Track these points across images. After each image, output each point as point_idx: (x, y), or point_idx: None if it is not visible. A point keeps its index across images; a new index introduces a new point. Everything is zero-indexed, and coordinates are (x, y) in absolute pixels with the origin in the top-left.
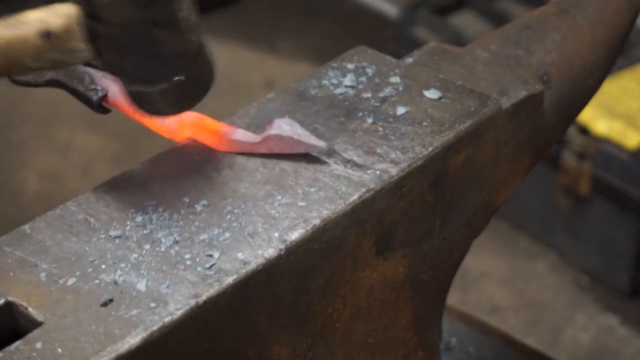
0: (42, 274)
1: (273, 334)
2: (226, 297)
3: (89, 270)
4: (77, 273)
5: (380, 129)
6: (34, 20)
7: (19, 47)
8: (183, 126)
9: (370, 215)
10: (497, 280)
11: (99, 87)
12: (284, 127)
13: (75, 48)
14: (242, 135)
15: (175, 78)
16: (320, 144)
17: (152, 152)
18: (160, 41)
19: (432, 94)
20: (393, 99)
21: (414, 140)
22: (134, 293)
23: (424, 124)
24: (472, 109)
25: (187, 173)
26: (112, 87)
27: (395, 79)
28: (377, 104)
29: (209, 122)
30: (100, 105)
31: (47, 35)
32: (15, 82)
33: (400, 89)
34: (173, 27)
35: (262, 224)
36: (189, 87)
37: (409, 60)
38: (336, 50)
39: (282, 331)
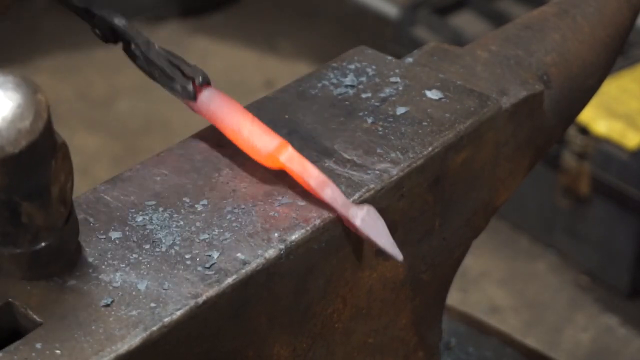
0: None
1: (273, 334)
2: (226, 297)
3: (89, 270)
4: (77, 273)
5: (380, 128)
6: None
7: None
8: (276, 160)
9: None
10: (497, 280)
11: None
12: (372, 224)
13: None
14: (332, 194)
15: (34, 247)
16: (399, 256)
17: (152, 152)
18: (24, 213)
19: (432, 94)
20: (393, 98)
21: (413, 140)
22: (134, 293)
23: (424, 123)
24: (472, 108)
25: (187, 173)
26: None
27: (395, 79)
28: (377, 104)
29: (307, 165)
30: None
31: None
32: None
33: (400, 88)
34: (43, 200)
35: (261, 224)
36: (47, 256)
37: (409, 60)
38: (336, 50)
39: (282, 331)
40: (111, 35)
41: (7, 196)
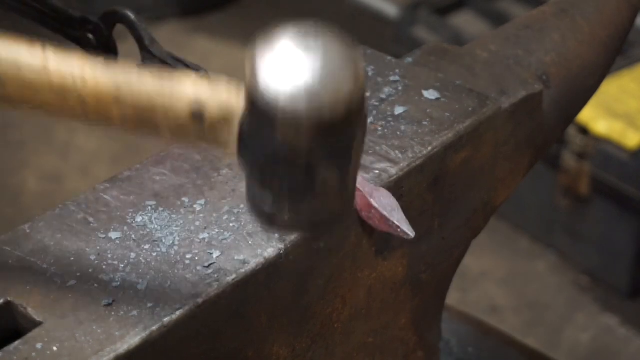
0: (42, 274)
1: (272, 334)
2: (225, 297)
3: (89, 270)
4: (77, 273)
5: (380, 128)
6: (190, 93)
7: (160, 116)
8: None
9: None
10: (497, 280)
11: None
12: (386, 204)
13: (221, 141)
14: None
15: (314, 215)
16: (411, 232)
17: (152, 152)
18: (320, 178)
19: (431, 93)
20: (392, 98)
21: (413, 139)
22: (134, 293)
23: (424, 123)
24: (472, 108)
25: (186, 173)
26: None
27: (394, 79)
28: (377, 104)
29: None
30: None
31: (199, 118)
32: None
33: (400, 88)
34: (342, 168)
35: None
36: (322, 225)
37: (409, 60)
38: None
39: (281, 331)
40: (106, 43)
41: (309, 160)
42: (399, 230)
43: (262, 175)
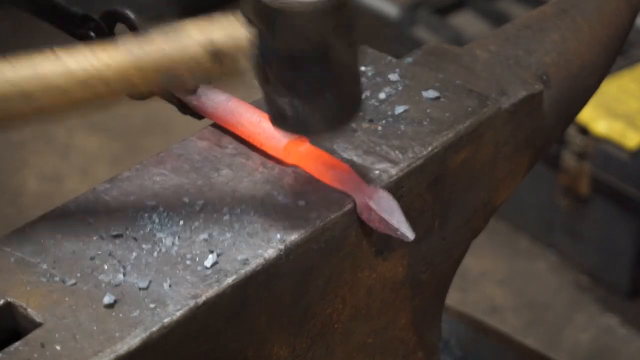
0: (42, 275)
1: (272, 334)
2: (226, 298)
3: (89, 270)
4: (77, 273)
5: (380, 128)
6: (201, 38)
7: (181, 68)
8: (294, 153)
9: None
10: (497, 280)
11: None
12: (385, 206)
13: (239, 69)
14: (349, 177)
15: (334, 93)
16: (410, 234)
17: (152, 152)
18: (334, 52)
19: (431, 93)
20: (392, 98)
21: (413, 140)
22: (134, 293)
23: (424, 123)
24: (472, 108)
25: (186, 173)
26: (216, 97)
27: (394, 79)
28: (377, 104)
29: (325, 156)
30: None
31: (218, 58)
32: (184, 112)
33: (400, 88)
34: (348, 38)
35: (261, 224)
36: (343, 107)
37: (409, 60)
38: None
39: (281, 331)
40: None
41: (324, 46)
42: (398, 232)
43: (282, 77)
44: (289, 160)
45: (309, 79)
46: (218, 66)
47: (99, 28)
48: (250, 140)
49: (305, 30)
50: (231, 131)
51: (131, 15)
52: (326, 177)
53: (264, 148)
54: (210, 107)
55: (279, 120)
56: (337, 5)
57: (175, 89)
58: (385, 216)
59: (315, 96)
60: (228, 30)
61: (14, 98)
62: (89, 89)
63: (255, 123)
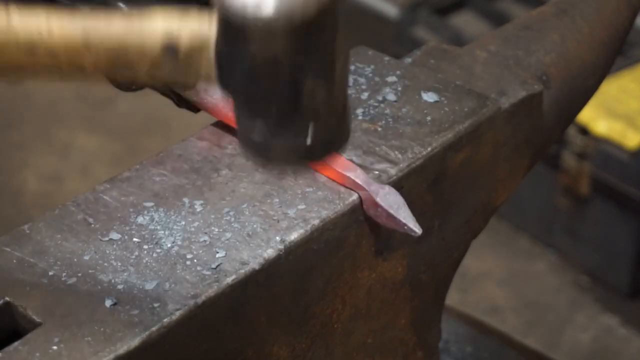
0: (42, 275)
1: (272, 334)
2: (225, 298)
3: (88, 270)
4: (77, 274)
5: (380, 129)
6: (160, 28)
7: (133, 55)
8: None
9: (369, 216)
10: (497, 280)
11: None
12: (392, 201)
13: (198, 72)
14: (355, 174)
15: (307, 134)
16: (417, 229)
17: (152, 152)
18: (306, 91)
19: (431, 94)
20: (392, 98)
21: (413, 140)
22: (134, 293)
23: (423, 124)
24: (471, 109)
25: (186, 173)
26: (215, 92)
27: (394, 79)
28: (376, 104)
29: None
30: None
31: (172, 51)
32: (180, 105)
33: (399, 89)
34: (326, 78)
35: (261, 224)
36: (317, 141)
37: (408, 60)
38: None
39: (281, 331)
40: None
41: (290, 70)
42: (405, 227)
43: (247, 99)
44: None
45: (275, 102)
46: (172, 63)
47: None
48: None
49: (273, 46)
50: (233, 127)
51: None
52: (331, 173)
53: None
54: (210, 103)
55: (242, 138)
56: (307, 24)
57: (126, 79)
58: (392, 212)
59: (280, 123)
60: (195, 27)
61: None
62: (29, 55)
63: None
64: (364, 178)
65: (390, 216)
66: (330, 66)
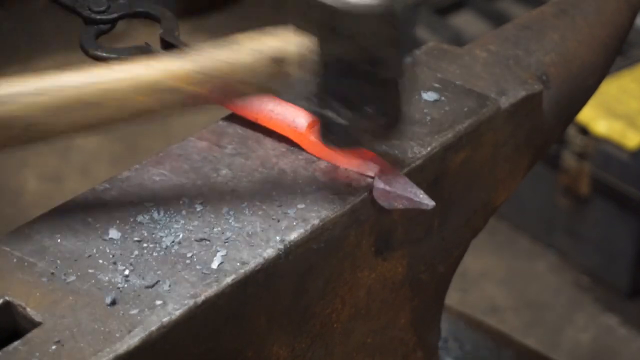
0: (41, 274)
1: (272, 334)
2: (225, 297)
3: (88, 270)
4: (76, 273)
5: None
6: (260, 47)
7: (248, 75)
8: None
9: (369, 216)
10: (497, 280)
11: None
12: (399, 181)
13: (296, 76)
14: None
15: (384, 108)
16: (430, 202)
17: (152, 152)
18: (392, 65)
19: (430, 94)
20: None
21: (412, 140)
22: (133, 293)
23: (423, 123)
24: (471, 109)
25: (186, 173)
26: None
27: None
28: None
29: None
30: None
31: (280, 63)
32: None
33: None
34: (407, 50)
35: (260, 224)
36: (391, 120)
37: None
38: None
39: (281, 331)
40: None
41: (381, 47)
42: (418, 199)
43: (337, 85)
44: (308, 144)
45: (363, 87)
46: (282, 73)
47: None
48: (268, 125)
49: (369, 33)
50: (235, 123)
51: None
52: (338, 159)
53: (282, 132)
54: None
55: (329, 132)
56: (400, 12)
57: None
58: (402, 191)
59: (366, 106)
60: (282, 40)
61: (80, 107)
62: (157, 98)
63: (274, 108)
64: (375, 161)
65: (401, 196)
66: (410, 51)
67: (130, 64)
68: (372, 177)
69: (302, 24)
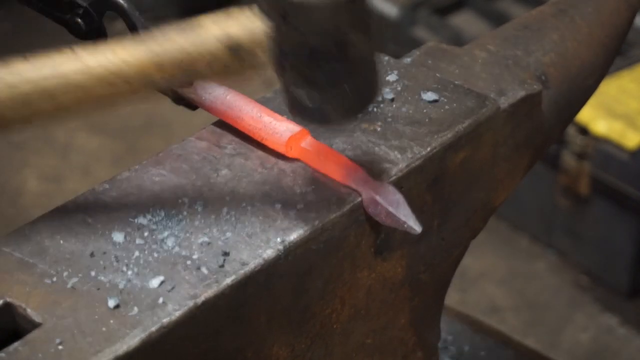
0: (42, 275)
1: (272, 334)
2: (225, 298)
3: (88, 270)
4: (76, 274)
5: (379, 129)
6: (218, 32)
7: (202, 64)
8: (296, 147)
9: (368, 216)
10: (497, 280)
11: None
12: (392, 199)
13: (258, 63)
14: (356, 173)
15: (351, 84)
16: (418, 227)
17: (152, 152)
18: (351, 44)
19: (430, 94)
20: (391, 98)
21: (412, 140)
22: (133, 293)
23: (422, 124)
24: (470, 109)
25: (186, 173)
26: (213, 90)
27: (393, 79)
28: (376, 104)
29: (328, 151)
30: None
31: (236, 51)
32: (178, 102)
33: (399, 89)
34: (365, 30)
35: (260, 225)
36: (358, 95)
37: (407, 60)
38: None
39: (280, 332)
40: (96, 29)
41: (339, 36)
42: (405, 225)
43: (300, 70)
44: (291, 154)
45: (326, 71)
46: (238, 60)
47: (86, 15)
48: (251, 134)
49: (323, 24)
50: (230, 125)
51: (124, 3)
52: (330, 170)
53: (265, 143)
54: (208, 101)
55: (298, 111)
56: None
57: (192, 84)
58: (392, 210)
59: (333, 88)
60: (246, 25)
61: (35, 97)
62: (109, 87)
63: (256, 117)
64: (364, 176)
65: (390, 214)
66: (370, 32)
67: (88, 51)
68: (356, 191)
69: (264, 9)
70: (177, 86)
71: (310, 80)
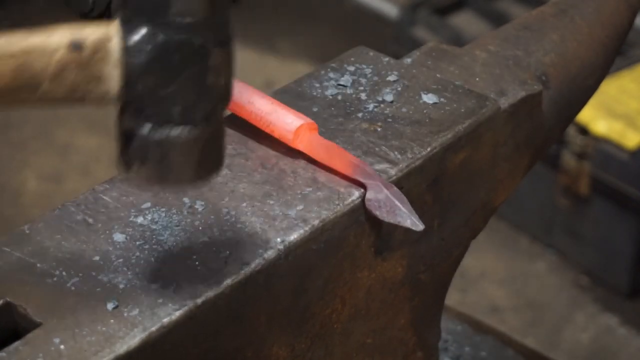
0: (42, 275)
1: (272, 334)
2: (225, 298)
3: (88, 270)
4: (77, 274)
5: (379, 129)
6: (65, 32)
7: (37, 58)
8: (303, 138)
9: (368, 216)
10: (497, 280)
11: None
12: (393, 196)
13: (104, 74)
14: (362, 167)
15: (209, 126)
16: (420, 224)
17: None
18: (212, 70)
19: (430, 94)
20: (391, 99)
21: (412, 140)
22: (133, 293)
23: (423, 124)
24: (471, 109)
25: None
26: None
27: (393, 79)
28: (376, 104)
29: (334, 146)
30: None
31: (77, 46)
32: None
33: (399, 89)
34: (229, 52)
35: (260, 225)
36: (211, 145)
37: (408, 60)
38: (336, 50)
39: (280, 331)
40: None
41: (197, 50)
42: (408, 221)
43: (152, 95)
44: (297, 145)
45: (178, 97)
46: (74, 57)
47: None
48: (258, 121)
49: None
50: (231, 123)
51: None
52: (336, 164)
53: (273, 130)
54: None
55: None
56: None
57: (24, 94)
58: (399, 203)
59: (186, 120)
60: (100, 30)
61: None
62: None
63: (267, 103)
64: (371, 170)
65: (394, 209)
66: (231, 36)
67: None
68: (363, 185)
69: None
70: (16, 86)
71: (152, 104)
